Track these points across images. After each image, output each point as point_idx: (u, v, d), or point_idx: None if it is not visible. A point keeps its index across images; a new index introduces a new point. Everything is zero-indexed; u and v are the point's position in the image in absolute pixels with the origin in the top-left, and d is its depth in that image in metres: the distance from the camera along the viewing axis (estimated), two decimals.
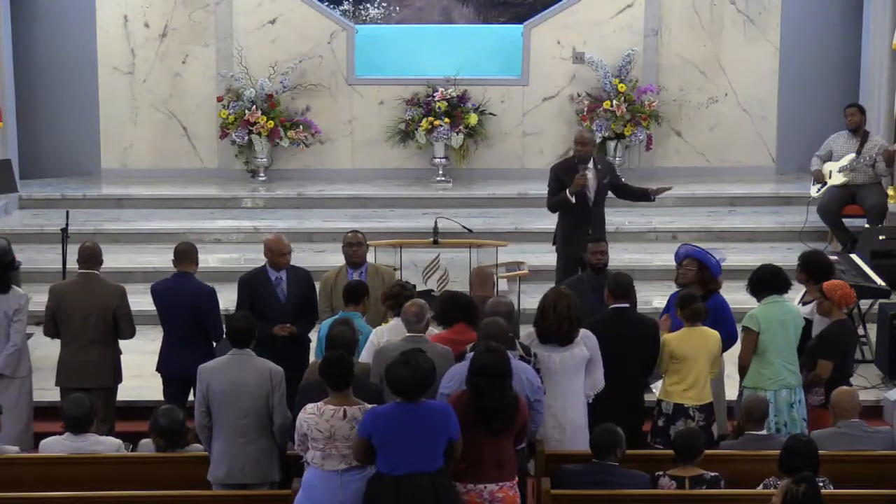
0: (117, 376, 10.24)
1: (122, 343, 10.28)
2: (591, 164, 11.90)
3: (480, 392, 7.91)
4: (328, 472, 7.90)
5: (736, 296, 10.27)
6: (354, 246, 10.61)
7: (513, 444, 8.16)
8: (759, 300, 9.80)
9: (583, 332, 9.15)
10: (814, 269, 10.19)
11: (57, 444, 8.91)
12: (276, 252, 10.40)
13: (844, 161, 14.12)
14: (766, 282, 9.78)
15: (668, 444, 9.18)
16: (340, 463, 7.89)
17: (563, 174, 11.95)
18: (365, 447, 7.78)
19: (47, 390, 10.69)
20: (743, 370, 9.73)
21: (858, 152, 14.12)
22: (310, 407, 7.99)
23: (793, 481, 7.27)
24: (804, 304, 10.35)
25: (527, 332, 9.33)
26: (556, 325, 9.02)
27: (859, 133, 14.21)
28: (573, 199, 11.80)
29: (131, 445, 9.21)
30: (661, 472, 8.42)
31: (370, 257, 11.08)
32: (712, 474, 8.39)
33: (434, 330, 9.19)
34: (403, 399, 7.77)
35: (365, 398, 8.10)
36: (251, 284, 10.39)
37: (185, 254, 10.23)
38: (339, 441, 7.87)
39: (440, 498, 7.71)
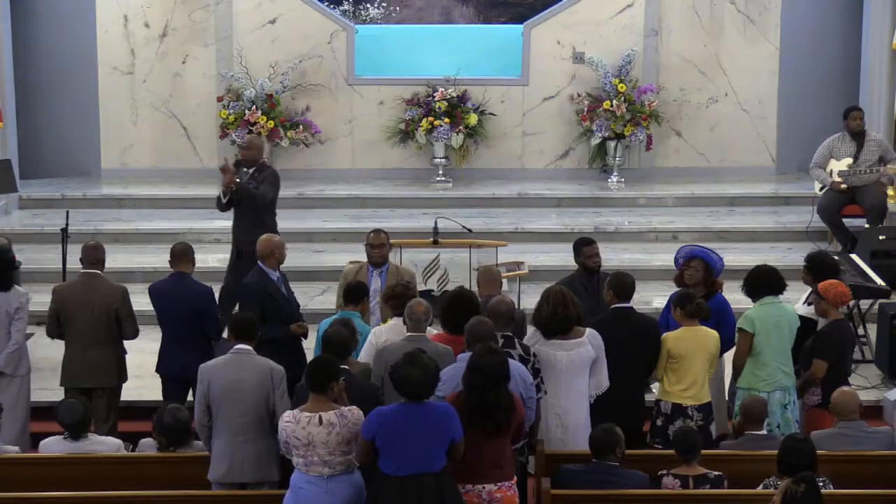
0: (122, 376, 10.24)
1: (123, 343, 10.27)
2: (249, 169, 11.98)
3: (475, 390, 7.91)
4: (313, 476, 7.88)
5: (736, 296, 10.25)
6: (377, 247, 10.59)
7: (510, 443, 8.15)
8: (754, 301, 9.80)
9: (589, 331, 9.14)
10: (818, 270, 10.17)
11: (57, 444, 8.91)
12: (281, 245, 10.25)
13: (843, 166, 14.08)
14: (762, 283, 9.78)
15: (666, 443, 9.19)
16: (324, 468, 7.85)
17: None
18: (369, 449, 7.75)
19: (48, 390, 10.70)
20: (737, 371, 9.73)
21: (856, 158, 14.08)
22: (287, 414, 7.97)
23: (793, 481, 7.27)
24: (809, 304, 10.34)
25: (530, 332, 9.33)
26: (547, 314, 9.01)
27: (860, 136, 14.14)
28: (224, 199, 11.93)
29: (131, 445, 9.22)
30: (664, 471, 8.41)
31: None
32: (716, 473, 8.39)
33: (433, 330, 9.17)
34: (410, 399, 7.74)
35: (364, 399, 8.09)
36: (259, 287, 10.12)
37: (182, 254, 10.21)
38: (319, 447, 7.83)
39: (445, 498, 7.69)
